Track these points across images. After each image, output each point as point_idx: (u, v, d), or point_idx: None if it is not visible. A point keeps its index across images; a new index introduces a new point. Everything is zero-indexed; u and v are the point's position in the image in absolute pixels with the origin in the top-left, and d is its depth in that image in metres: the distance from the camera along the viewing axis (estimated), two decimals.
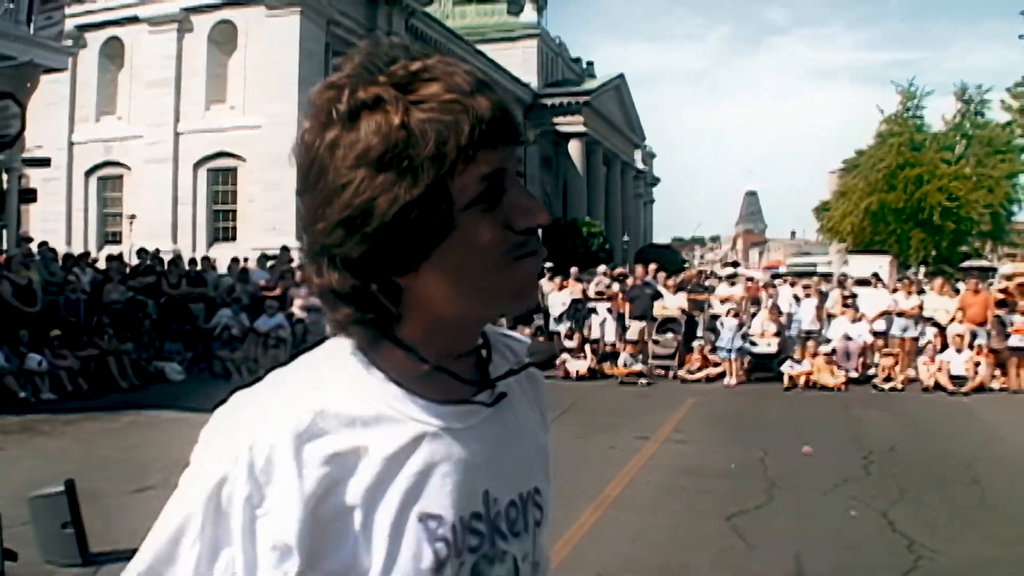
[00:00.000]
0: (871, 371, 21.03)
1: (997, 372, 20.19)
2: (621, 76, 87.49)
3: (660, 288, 23.32)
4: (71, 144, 45.57)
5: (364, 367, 1.38)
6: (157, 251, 25.58)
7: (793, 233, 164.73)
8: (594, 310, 23.23)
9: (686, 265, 54.81)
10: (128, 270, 23.57)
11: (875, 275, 24.91)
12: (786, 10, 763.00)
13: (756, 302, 23.81)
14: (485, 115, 1.27)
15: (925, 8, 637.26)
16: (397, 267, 1.30)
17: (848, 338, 21.13)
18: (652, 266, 25.01)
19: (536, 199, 1.36)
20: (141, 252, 24.91)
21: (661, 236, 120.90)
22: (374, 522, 1.31)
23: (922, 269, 43.17)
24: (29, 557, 6.90)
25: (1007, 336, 20.23)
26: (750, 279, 28.03)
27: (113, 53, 45.45)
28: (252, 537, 1.26)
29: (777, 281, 27.11)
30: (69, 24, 38.68)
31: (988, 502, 10.01)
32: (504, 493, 1.48)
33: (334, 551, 1.30)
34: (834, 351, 20.73)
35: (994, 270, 39.82)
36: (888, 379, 20.13)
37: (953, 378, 19.60)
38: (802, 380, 19.89)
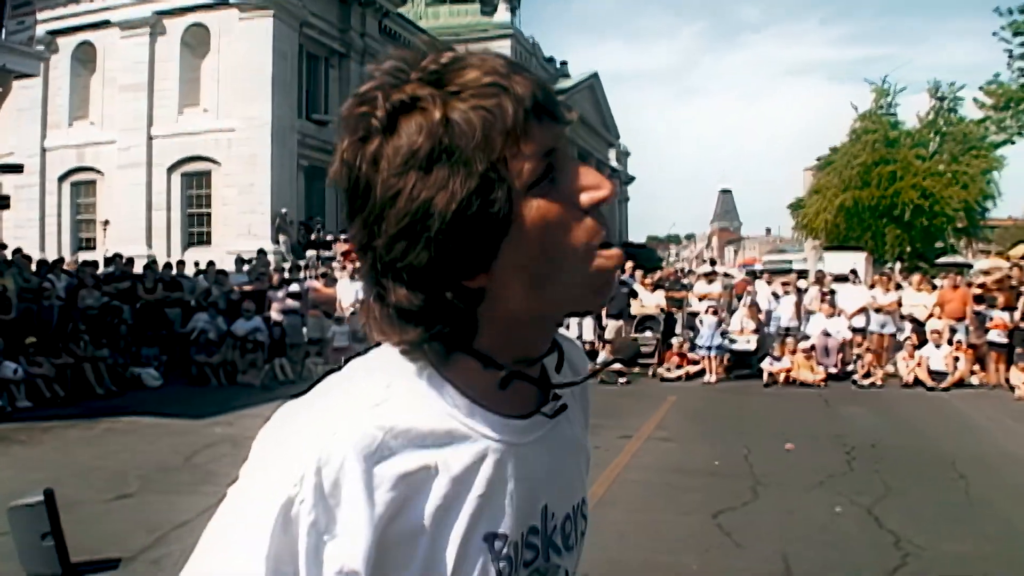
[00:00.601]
0: (850, 367, 21.03)
1: (976, 367, 20.21)
2: (595, 75, 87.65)
3: (637, 286, 23.27)
4: (44, 150, 45.23)
5: (432, 379, 1.32)
6: (120, 255, 25.25)
7: (768, 230, 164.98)
8: None
9: (662, 263, 54.73)
10: (102, 275, 23.38)
11: (853, 271, 24.95)
12: (759, 7, 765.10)
13: (740, 298, 23.81)
14: (527, 94, 1.22)
15: (898, 5, 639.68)
16: (467, 269, 1.24)
17: (827, 334, 21.14)
18: (628, 264, 24.93)
19: (598, 172, 1.32)
20: (113, 258, 24.72)
21: (636, 234, 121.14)
22: (442, 544, 1.26)
23: (897, 265, 43.26)
24: (10, 569, 6.80)
25: (986, 331, 20.25)
26: (727, 275, 28.07)
27: (85, 58, 45.18)
28: (318, 562, 1.19)
29: (758, 281, 27.02)
30: (40, 29, 38.41)
31: (973, 498, 9.97)
32: (560, 507, 1.45)
33: (400, 572, 1.24)
34: (813, 347, 20.72)
35: (969, 266, 39.95)
36: (867, 375, 20.14)
37: (932, 373, 19.59)
38: (782, 377, 19.89)
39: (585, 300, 1.33)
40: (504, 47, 70.93)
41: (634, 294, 22.86)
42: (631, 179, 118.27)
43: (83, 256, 33.58)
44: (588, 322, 22.54)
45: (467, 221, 1.19)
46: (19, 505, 7.11)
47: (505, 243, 1.22)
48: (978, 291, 21.96)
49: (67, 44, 44.89)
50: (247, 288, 22.96)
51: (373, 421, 1.23)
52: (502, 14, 74.22)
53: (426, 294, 1.24)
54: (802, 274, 33.45)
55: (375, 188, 1.21)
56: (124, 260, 24.18)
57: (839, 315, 21.74)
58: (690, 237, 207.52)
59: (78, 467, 11.29)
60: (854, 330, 21.66)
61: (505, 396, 1.34)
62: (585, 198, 1.27)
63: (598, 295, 1.32)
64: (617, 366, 20.16)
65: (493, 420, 1.33)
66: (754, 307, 22.32)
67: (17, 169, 32.14)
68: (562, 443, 1.47)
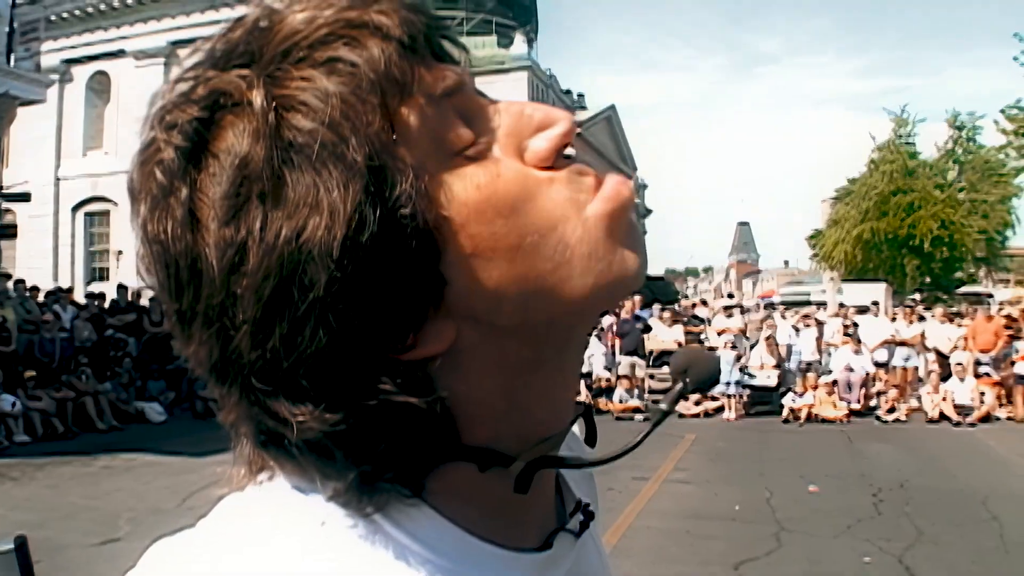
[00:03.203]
0: (873, 402, 20.52)
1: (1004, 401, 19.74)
2: (612, 107, 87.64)
3: (653, 321, 22.84)
4: (57, 179, 45.44)
5: (396, 508, 0.78)
6: (125, 287, 24.85)
7: (786, 262, 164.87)
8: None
9: (679, 296, 54.49)
10: (108, 307, 23.07)
11: (875, 303, 24.51)
12: (779, 39, 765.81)
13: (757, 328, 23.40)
14: (393, 24, 0.73)
15: (916, 36, 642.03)
16: (403, 328, 0.74)
17: (850, 369, 20.65)
18: (637, 298, 24.41)
19: (542, 104, 0.83)
20: (120, 289, 24.36)
21: (654, 267, 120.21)
22: None
23: (916, 296, 42.93)
24: None
25: (1012, 363, 19.78)
26: (743, 308, 27.68)
27: (100, 87, 45.34)
28: None
29: (777, 315, 26.62)
30: (55, 58, 38.67)
31: (1008, 541, 9.51)
32: None
33: None
34: (835, 382, 20.24)
35: (990, 296, 39.63)
36: (892, 410, 19.64)
37: (958, 408, 19.08)
38: (803, 413, 19.37)
39: (616, 273, 0.80)
40: (520, 79, 71.21)
41: (648, 328, 22.41)
42: (648, 212, 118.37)
43: (96, 287, 33.46)
44: (598, 358, 22.00)
45: (371, 250, 0.69)
46: None
47: (446, 263, 0.74)
48: (1004, 321, 21.56)
49: (82, 73, 45.12)
50: None
51: None
52: (519, 46, 74.35)
53: (347, 400, 0.73)
54: (820, 306, 33.15)
55: (202, 259, 0.71)
56: (131, 292, 23.76)
57: (862, 349, 21.28)
58: (708, 270, 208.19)
59: (69, 508, 10.98)
60: (876, 364, 21.19)
61: (513, 511, 0.84)
62: (540, 143, 0.79)
63: (630, 248, 0.81)
64: (634, 403, 19.77)
65: (499, 559, 0.83)
66: (772, 341, 21.88)
67: (25, 198, 31.94)
68: (590, 568, 0.96)
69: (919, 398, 20.32)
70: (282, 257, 0.68)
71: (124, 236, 43.77)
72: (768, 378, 21.09)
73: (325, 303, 0.69)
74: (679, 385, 0.92)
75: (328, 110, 0.69)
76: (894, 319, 23.03)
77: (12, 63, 22.36)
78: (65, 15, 42.71)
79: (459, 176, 0.74)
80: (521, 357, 0.80)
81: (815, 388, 19.91)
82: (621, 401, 20.45)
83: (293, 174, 0.69)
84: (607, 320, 23.01)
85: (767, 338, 21.98)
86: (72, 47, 43.82)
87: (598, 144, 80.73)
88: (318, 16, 0.72)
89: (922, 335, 21.72)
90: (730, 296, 34.14)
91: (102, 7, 43.56)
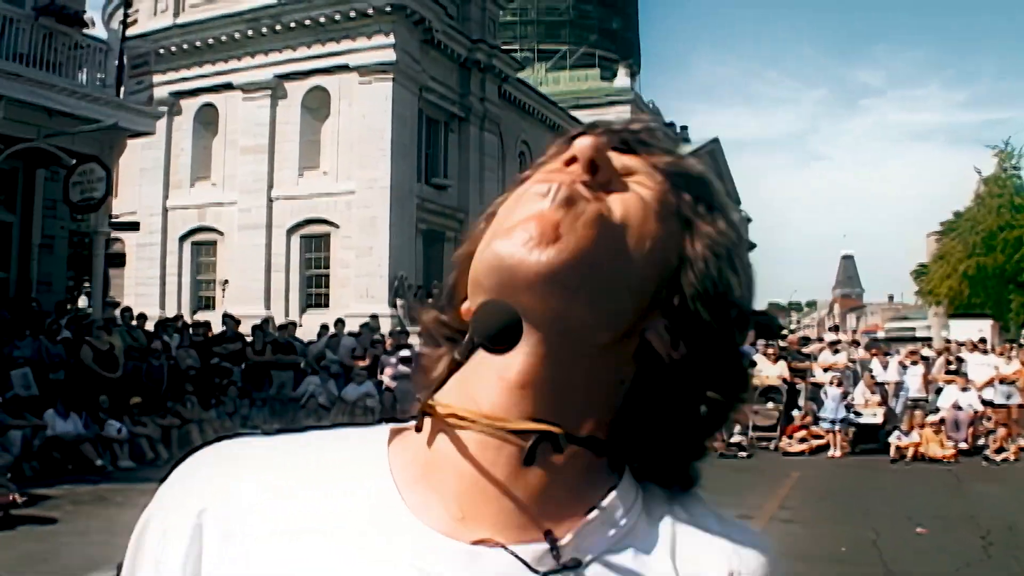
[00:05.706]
0: (981, 441, 20.07)
1: None
2: (715, 140, 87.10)
3: (758, 356, 22.59)
4: (165, 209, 45.96)
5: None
6: (231, 316, 25.07)
7: (891, 297, 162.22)
8: None
9: (784, 331, 53.85)
10: (214, 335, 23.31)
11: (982, 339, 24.07)
12: (881, 72, 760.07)
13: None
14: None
15: (1018, 66, 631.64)
16: None
17: (957, 407, 20.23)
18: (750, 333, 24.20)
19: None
20: (226, 318, 24.60)
21: (757, 302, 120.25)
22: None
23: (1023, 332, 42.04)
24: None
25: None
26: (856, 342, 27.34)
27: (207, 120, 45.86)
28: None
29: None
30: (164, 91, 39.27)
31: None
32: None
33: None
34: (942, 420, 19.83)
35: None
36: (1000, 450, 19.18)
37: None
38: (910, 452, 18.98)
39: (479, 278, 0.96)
40: (624, 112, 71.12)
41: (753, 364, 22.13)
42: (752, 246, 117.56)
43: (202, 316, 33.86)
44: None
45: None
46: None
47: None
48: None
49: (190, 106, 45.68)
50: (360, 364, 22.58)
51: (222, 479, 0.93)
52: (622, 79, 74.42)
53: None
54: (925, 342, 32.58)
55: None
56: (235, 321, 23.99)
57: (969, 387, 20.85)
58: (811, 304, 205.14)
59: None
60: (984, 402, 20.74)
61: (438, 473, 0.91)
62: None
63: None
64: (737, 439, 19.48)
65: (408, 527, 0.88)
66: (871, 377, 21.56)
67: (133, 227, 32.55)
68: None
69: None
70: None
71: (230, 266, 44.32)
72: (874, 416, 20.75)
73: None
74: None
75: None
76: (1001, 355, 22.60)
77: (122, 96, 22.78)
78: (174, 49, 43.29)
79: None
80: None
81: (922, 426, 19.53)
82: (724, 437, 20.26)
83: None
84: None
85: (865, 376, 21.72)
86: (181, 80, 44.39)
87: None
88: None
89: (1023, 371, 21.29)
90: (836, 329, 33.37)
91: (210, 41, 44.03)
